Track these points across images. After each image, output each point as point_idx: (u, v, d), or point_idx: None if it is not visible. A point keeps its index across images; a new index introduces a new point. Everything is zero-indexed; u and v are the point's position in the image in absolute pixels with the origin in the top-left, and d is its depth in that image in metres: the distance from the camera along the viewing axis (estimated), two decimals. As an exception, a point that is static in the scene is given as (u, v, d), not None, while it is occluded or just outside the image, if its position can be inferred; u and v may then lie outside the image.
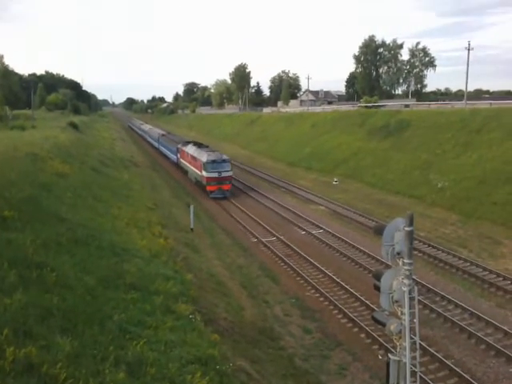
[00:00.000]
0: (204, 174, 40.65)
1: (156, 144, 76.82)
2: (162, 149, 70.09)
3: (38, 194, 17.83)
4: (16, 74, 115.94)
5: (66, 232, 14.41)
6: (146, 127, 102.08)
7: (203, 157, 40.88)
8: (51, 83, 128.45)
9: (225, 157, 41.63)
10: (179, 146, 53.67)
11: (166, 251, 19.18)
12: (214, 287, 19.13)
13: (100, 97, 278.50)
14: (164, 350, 9.47)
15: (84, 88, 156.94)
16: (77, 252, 13.16)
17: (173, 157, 59.40)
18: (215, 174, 39.95)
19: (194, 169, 44.32)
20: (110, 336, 8.94)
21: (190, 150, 46.91)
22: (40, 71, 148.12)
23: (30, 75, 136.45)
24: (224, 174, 40.21)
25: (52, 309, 8.87)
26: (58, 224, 15.06)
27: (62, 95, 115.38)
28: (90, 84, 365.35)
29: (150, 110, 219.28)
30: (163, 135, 73.56)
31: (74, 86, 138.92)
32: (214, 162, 40.07)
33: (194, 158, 44.28)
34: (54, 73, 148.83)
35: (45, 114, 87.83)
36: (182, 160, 52.24)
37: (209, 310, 14.87)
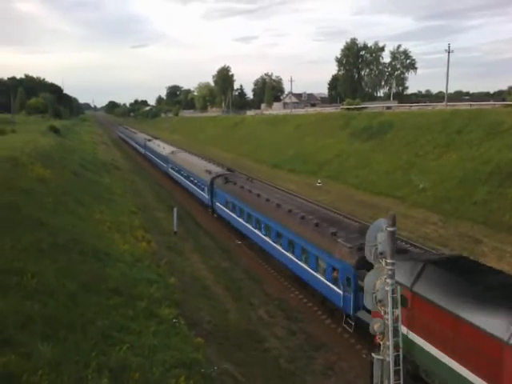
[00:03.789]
0: None
1: (206, 197, 35.67)
2: (234, 218, 29.17)
3: (19, 200, 17.55)
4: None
5: (47, 237, 14.21)
6: (165, 149, 56.39)
7: None
8: (31, 87, 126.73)
9: None
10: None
11: (148, 255, 19.04)
12: (198, 291, 19.03)
13: (82, 100, 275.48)
14: (147, 355, 9.41)
15: (65, 91, 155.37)
16: (58, 257, 12.99)
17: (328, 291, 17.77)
18: None
19: None
20: (92, 342, 8.85)
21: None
22: (20, 75, 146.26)
23: (9, 79, 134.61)
24: None
25: (33, 315, 8.73)
26: (38, 229, 14.84)
27: (42, 99, 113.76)
28: (72, 87, 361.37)
29: (132, 114, 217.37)
30: (225, 179, 32.81)
31: (55, 90, 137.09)
32: None
33: None
34: (35, 76, 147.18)
35: (25, 118, 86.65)
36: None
37: (193, 314, 14.79)
